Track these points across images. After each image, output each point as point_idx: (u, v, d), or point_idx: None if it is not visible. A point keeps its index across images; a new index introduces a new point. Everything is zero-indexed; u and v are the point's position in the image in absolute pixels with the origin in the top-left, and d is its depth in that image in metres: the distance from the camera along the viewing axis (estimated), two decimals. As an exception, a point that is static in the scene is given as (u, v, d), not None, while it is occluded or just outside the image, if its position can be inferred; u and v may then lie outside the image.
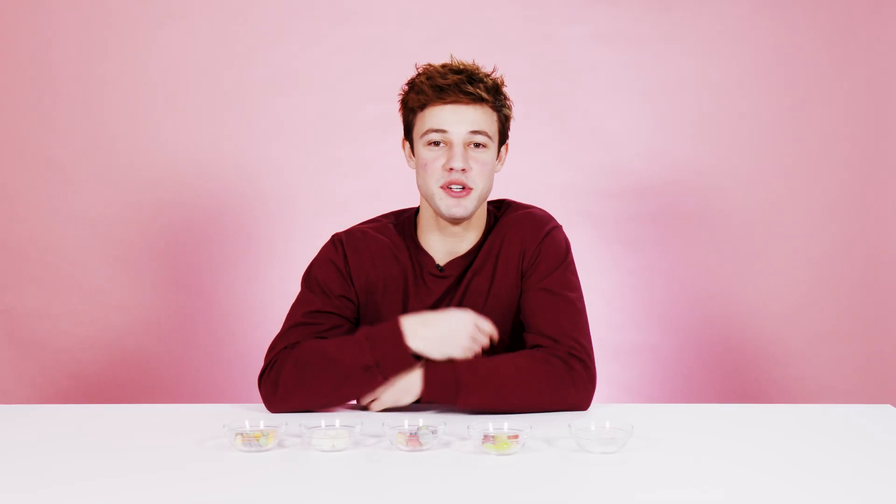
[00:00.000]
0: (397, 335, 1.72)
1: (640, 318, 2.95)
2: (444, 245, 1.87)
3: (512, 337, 1.89)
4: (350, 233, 1.91)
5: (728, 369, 2.93)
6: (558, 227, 1.90)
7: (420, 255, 1.87)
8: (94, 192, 2.91)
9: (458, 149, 1.78)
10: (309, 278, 1.87)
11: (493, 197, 1.97)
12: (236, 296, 2.95)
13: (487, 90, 1.80)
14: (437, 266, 1.87)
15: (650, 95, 2.91)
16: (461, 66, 1.81)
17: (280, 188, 2.93)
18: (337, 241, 1.89)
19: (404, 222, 1.92)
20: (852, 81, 2.89)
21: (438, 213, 1.82)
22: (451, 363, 1.72)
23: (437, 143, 1.80)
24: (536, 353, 1.75)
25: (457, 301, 1.86)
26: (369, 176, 2.85)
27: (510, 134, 1.91)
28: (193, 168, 2.93)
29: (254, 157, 2.94)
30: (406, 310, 1.85)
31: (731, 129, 2.91)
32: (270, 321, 2.91)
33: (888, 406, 1.78)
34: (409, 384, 1.72)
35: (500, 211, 1.93)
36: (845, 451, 1.50)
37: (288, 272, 2.96)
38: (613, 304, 2.91)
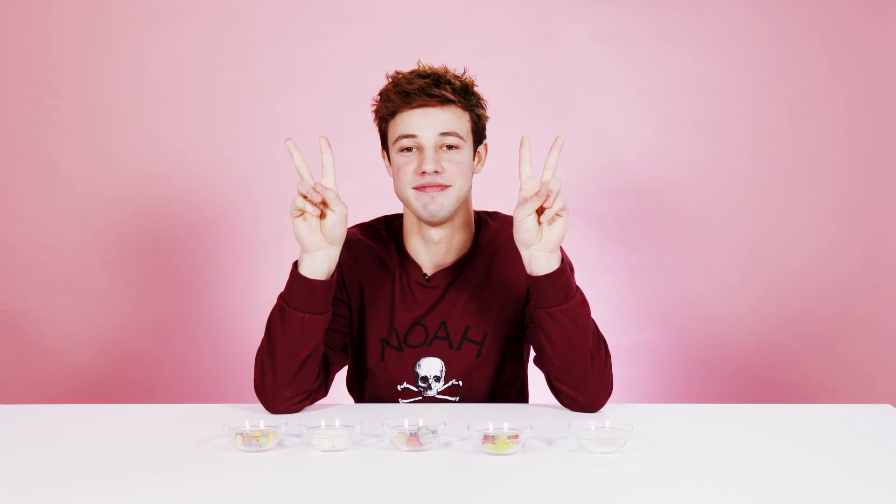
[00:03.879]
0: (294, 267, 1.71)
1: (640, 318, 2.95)
2: (429, 252, 1.85)
3: (513, 355, 1.88)
4: (357, 233, 1.91)
5: (728, 369, 2.93)
6: None
7: (407, 264, 1.86)
8: (94, 192, 2.91)
9: (429, 152, 1.76)
10: None
11: (486, 207, 1.96)
12: (236, 295, 2.95)
13: (455, 91, 1.78)
14: (424, 276, 1.85)
15: (650, 95, 2.91)
16: (428, 70, 1.80)
17: (279, 188, 2.93)
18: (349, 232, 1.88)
19: (395, 229, 1.91)
20: (852, 81, 2.89)
21: (418, 216, 1.80)
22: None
23: (409, 149, 1.78)
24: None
25: (449, 315, 1.84)
26: (369, 176, 2.85)
27: (489, 134, 1.88)
28: (193, 168, 2.93)
29: (254, 158, 2.94)
30: (392, 319, 1.84)
31: (731, 129, 2.91)
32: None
33: (888, 406, 1.78)
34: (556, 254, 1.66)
35: (495, 221, 1.90)
36: (845, 451, 1.50)
37: (287, 272, 2.96)
38: (613, 304, 2.91)
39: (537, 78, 2.92)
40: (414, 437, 1.49)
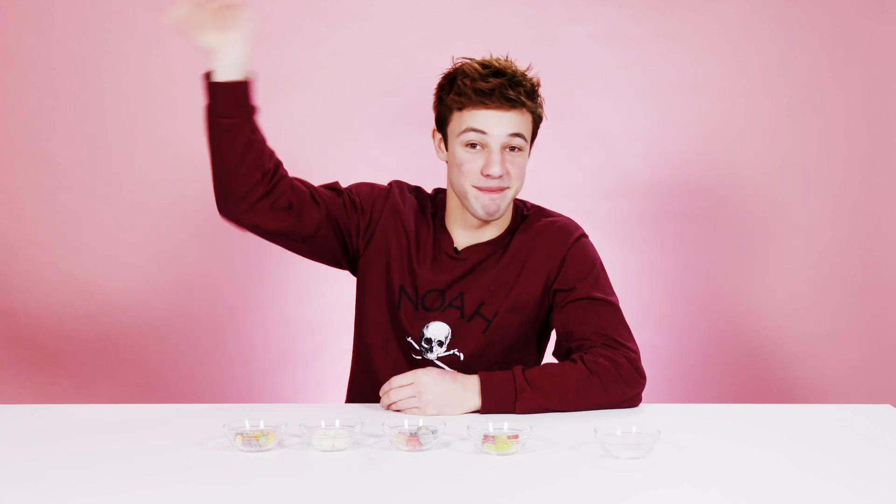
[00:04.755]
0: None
1: (640, 318, 2.94)
2: (466, 233, 1.90)
3: (523, 345, 1.90)
4: (403, 186, 1.96)
5: (728, 369, 2.93)
6: (585, 236, 1.93)
7: (441, 235, 1.90)
8: (94, 192, 2.91)
9: (496, 155, 1.79)
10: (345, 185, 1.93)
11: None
12: (236, 295, 2.94)
13: (527, 94, 1.81)
14: (455, 249, 1.89)
15: (650, 95, 2.91)
16: (501, 68, 1.81)
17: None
18: (393, 183, 1.95)
19: (438, 203, 1.95)
20: (852, 81, 2.89)
21: (472, 212, 1.85)
22: (506, 373, 1.73)
23: (474, 145, 1.81)
24: (582, 355, 1.77)
25: (468, 288, 1.87)
26: (369, 176, 2.84)
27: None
28: (193, 168, 2.92)
29: (254, 157, 2.93)
30: (416, 279, 1.87)
31: (731, 129, 2.91)
32: (270, 320, 2.92)
33: (888, 406, 1.78)
34: (465, 398, 1.72)
35: (528, 211, 1.95)
36: (845, 451, 1.50)
37: (287, 272, 2.96)
38: (613, 304, 2.91)
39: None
40: (414, 437, 1.49)
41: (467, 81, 1.79)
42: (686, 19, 2.89)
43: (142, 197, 2.92)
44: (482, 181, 1.80)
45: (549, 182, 2.90)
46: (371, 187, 1.93)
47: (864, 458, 1.47)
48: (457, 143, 1.83)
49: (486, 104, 1.78)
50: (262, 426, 1.53)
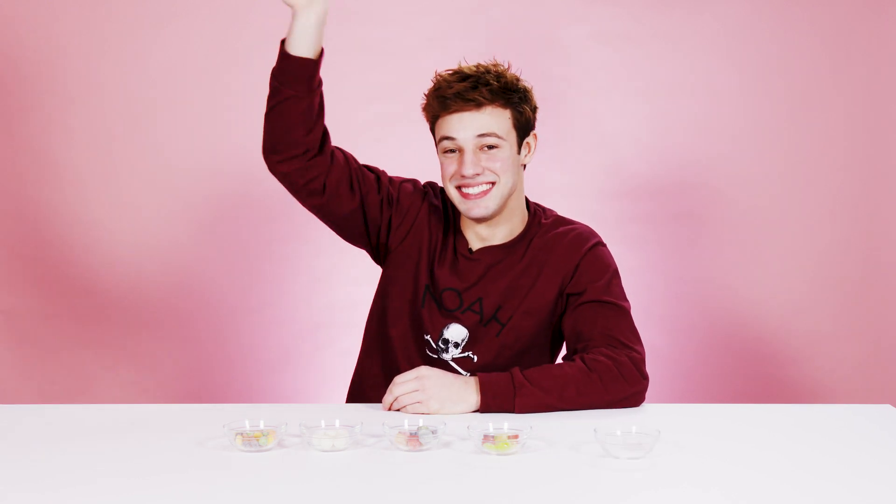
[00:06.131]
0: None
1: (640, 318, 2.93)
2: (477, 235, 1.93)
3: (536, 350, 1.92)
4: (437, 188, 1.99)
5: (728, 369, 2.93)
6: (602, 244, 1.93)
7: (458, 237, 1.94)
8: (94, 192, 2.91)
9: (468, 155, 1.83)
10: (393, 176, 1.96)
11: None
12: (236, 295, 2.94)
13: (492, 92, 1.82)
14: (469, 249, 1.92)
15: (650, 95, 2.91)
16: (468, 72, 1.85)
17: (279, 188, 2.92)
18: (427, 185, 1.99)
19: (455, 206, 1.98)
20: (852, 81, 2.89)
21: (464, 215, 1.90)
22: (504, 373, 1.74)
23: (451, 151, 1.85)
24: (583, 354, 1.79)
25: (487, 292, 1.89)
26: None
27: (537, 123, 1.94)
28: (193, 168, 2.93)
29: (254, 158, 2.92)
30: (436, 279, 1.90)
31: (731, 129, 2.91)
32: (270, 320, 2.92)
33: (888, 406, 1.78)
34: (466, 394, 1.72)
35: (546, 218, 1.96)
36: (845, 451, 1.50)
37: (287, 272, 2.96)
38: (613, 304, 2.91)
39: (537, 78, 2.90)
40: (414, 437, 1.49)
41: (436, 92, 1.85)
42: (686, 19, 2.89)
43: (142, 197, 2.92)
44: (459, 180, 1.85)
45: (550, 182, 2.90)
46: (414, 186, 1.97)
47: (864, 458, 1.47)
48: (439, 153, 1.89)
49: (451, 109, 1.83)
50: (262, 426, 1.53)
